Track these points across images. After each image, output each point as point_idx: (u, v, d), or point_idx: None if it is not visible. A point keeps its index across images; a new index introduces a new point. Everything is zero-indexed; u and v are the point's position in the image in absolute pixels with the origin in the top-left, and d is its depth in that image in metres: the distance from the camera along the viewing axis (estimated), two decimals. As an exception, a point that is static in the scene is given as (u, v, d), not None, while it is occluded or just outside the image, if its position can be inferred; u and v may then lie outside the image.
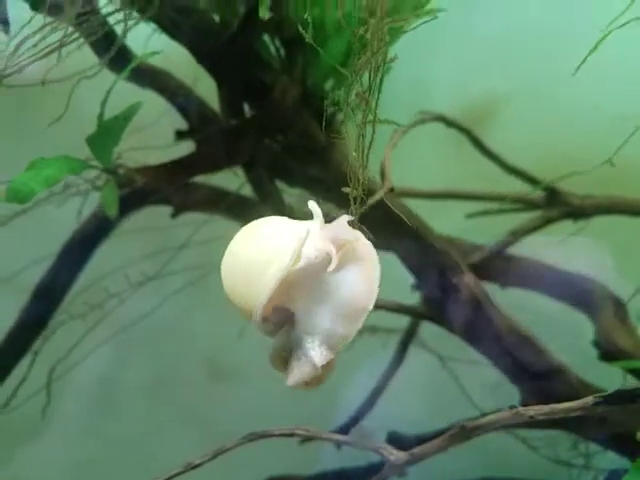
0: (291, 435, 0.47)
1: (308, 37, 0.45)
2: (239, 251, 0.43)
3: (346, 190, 0.42)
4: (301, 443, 0.69)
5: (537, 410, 0.43)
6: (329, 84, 0.69)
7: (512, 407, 0.44)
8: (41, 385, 0.85)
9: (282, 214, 0.74)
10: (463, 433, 0.45)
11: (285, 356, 0.43)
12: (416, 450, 0.47)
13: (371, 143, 0.40)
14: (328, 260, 0.40)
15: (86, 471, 0.93)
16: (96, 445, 0.91)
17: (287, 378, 0.43)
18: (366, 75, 0.55)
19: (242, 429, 0.61)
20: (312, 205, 0.43)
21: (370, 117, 0.38)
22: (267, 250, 0.42)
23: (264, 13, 0.52)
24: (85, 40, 0.64)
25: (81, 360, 0.85)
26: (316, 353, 0.40)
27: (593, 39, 0.72)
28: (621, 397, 0.42)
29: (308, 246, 0.41)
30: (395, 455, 0.47)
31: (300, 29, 0.46)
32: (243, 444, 0.48)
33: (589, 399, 0.42)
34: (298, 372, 0.42)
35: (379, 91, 0.38)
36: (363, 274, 0.40)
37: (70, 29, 0.62)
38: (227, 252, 0.43)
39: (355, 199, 0.41)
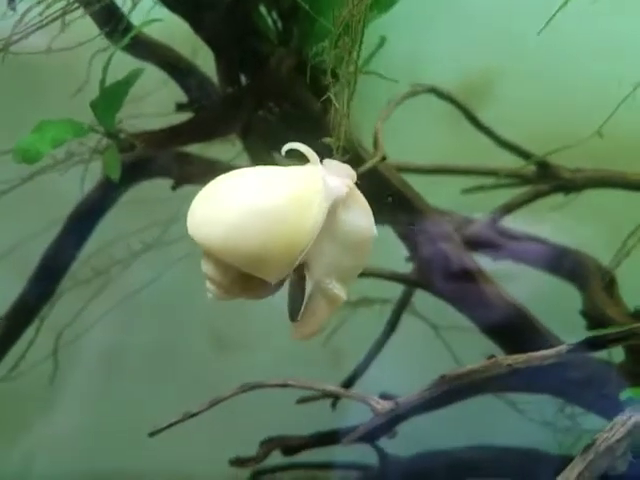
0: (284, 386, 0.50)
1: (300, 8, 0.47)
2: (253, 201, 0.39)
3: (327, 140, 0.43)
4: (298, 403, 0.71)
5: (514, 359, 0.45)
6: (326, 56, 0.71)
7: (491, 357, 0.46)
8: (48, 352, 0.88)
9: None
10: (444, 382, 0.47)
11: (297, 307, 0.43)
12: (400, 399, 0.49)
13: (353, 93, 0.42)
14: (340, 199, 0.40)
15: (93, 435, 0.96)
16: (102, 410, 0.93)
17: (302, 328, 0.43)
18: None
19: (244, 396, 0.63)
20: (306, 149, 0.43)
21: (352, 68, 0.40)
22: (291, 201, 0.39)
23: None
24: (85, 10, 0.66)
25: (88, 326, 0.88)
26: (339, 289, 0.41)
27: (587, 13, 0.74)
28: (591, 344, 0.44)
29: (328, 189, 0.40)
30: (381, 404, 0.49)
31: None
32: (238, 394, 0.50)
33: (563, 347, 0.44)
34: (315, 318, 0.42)
35: (360, 43, 0.40)
36: (360, 206, 0.41)
37: None
38: (227, 201, 0.40)
39: (337, 149, 0.43)
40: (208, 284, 0.42)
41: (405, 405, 0.49)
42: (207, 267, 0.41)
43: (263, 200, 0.39)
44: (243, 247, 0.39)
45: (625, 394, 0.60)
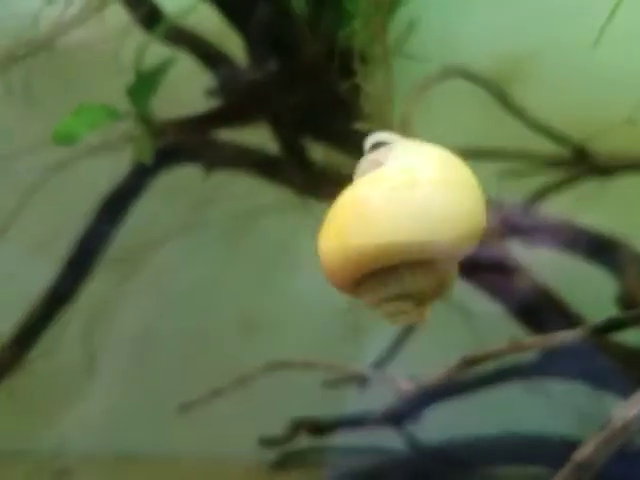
0: (310, 365, 0.50)
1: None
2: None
3: (359, 127, 0.43)
4: (325, 387, 0.72)
5: (533, 341, 0.45)
6: (356, 40, 0.71)
7: (511, 339, 0.45)
8: (81, 335, 0.90)
9: (308, 170, 0.77)
10: (465, 364, 0.47)
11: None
12: (423, 380, 0.49)
13: (389, 77, 0.41)
14: None
15: (124, 417, 0.99)
16: (133, 392, 0.95)
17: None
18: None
19: (272, 380, 0.64)
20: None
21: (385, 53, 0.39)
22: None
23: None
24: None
25: (120, 310, 0.90)
26: None
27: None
28: (611, 326, 0.44)
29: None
30: (406, 385, 0.49)
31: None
32: (264, 372, 0.50)
33: (584, 327, 0.44)
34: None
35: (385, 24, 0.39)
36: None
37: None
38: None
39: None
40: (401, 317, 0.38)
41: (428, 387, 0.49)
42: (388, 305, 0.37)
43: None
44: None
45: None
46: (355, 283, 0.37)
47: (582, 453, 0.47)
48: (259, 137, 0.78)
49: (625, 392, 0.71)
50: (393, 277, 0.37)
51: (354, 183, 0.39)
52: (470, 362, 0.46)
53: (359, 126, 0.66)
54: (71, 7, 0.64)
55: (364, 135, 0.52)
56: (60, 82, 0.85)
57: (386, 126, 0.54)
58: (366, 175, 0.38)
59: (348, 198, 0.38)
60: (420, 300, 0.37)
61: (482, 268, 0.73)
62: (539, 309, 0.73)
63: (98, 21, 0.65)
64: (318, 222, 0.95)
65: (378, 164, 0.39)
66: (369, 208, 0.36)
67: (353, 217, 0.36)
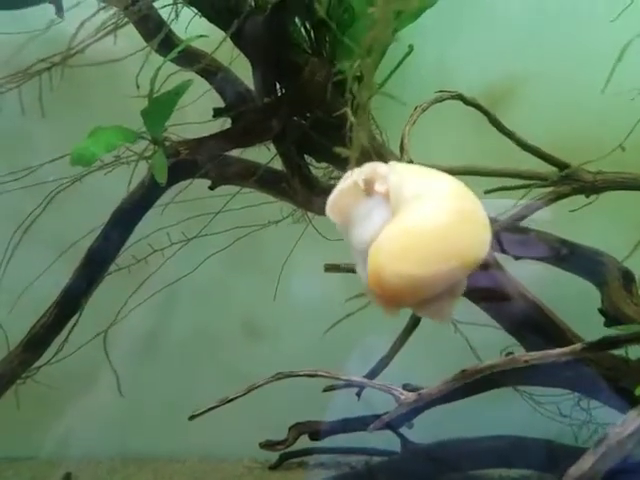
0: (314, 376, 0.54)
1: (331, 23, 0.50)
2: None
3: (341, 151, 0.45)
4: (324, 391, 0.75)
5: (531, 356, 0.48)
6: (356, 64, 0.75)
7: (508, 354, 0.49)
8: (92, 337, 0.94)
9: (309, 186, 0.81)
10: (464, 376, 0.50)
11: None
12: (423, 391, 0.53)
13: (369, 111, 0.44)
14: None
15: (130, 418, 1.02)
16: (139, 394, 0.99)
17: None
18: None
19: (274, 383, 0.67)
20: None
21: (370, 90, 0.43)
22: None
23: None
24: (133, 24, 0.71)
25: (129, 314, 0.93)
26: None
27: (610, 22, 0.75)
28: (605, 344, 0.47)
29: None
30: (405, 395, 0.53)
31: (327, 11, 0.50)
32: (272, 382, 0.54)
33: (578, 346, 0.48)
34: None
35: (377, 65, 0.43)
36: None
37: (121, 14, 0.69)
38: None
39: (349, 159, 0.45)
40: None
41: (427, 397, 0.53)
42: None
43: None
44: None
45: (640, 390, 0.63)
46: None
47: (579, 468, 0.50)
48: (264, 154, 0.82)
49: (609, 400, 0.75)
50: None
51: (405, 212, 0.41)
52: (469, 375, 0.50)
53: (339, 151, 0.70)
54: (87, 25, 0.67)
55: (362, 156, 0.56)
56: (75, 99, 0.89)
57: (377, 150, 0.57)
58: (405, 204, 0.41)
59: (415, 227, 0.41)
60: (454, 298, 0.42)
61: (471, 279, 0.77)
62: (527, 320, 0.77)
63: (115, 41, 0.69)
64: (314, 234, 0.98)
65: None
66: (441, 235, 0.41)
67: (429, 245, 0.40)
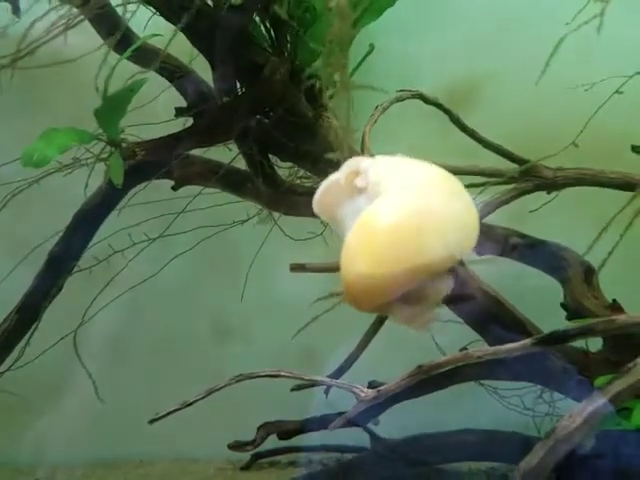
0: (276, 376, 0.54)
1: (291, 22, 0.50)
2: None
3: (330, 156, 0.45)
4: (292, 391, 0.75)
5: (484, 351, 0.49)
6: (316, 63, 0.75)
7: (463, 349, 0.50)
8: (54, 340, 0.92)
9: (273, 185, 0.81)
10: (421, 372, 0.51)
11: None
12: (382, 388, 0.53)
13: (349, 108, 0.44)
14: None
15: (97, 422, 1.00)
16: (106, 398, 0.97)
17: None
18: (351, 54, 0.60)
19: (242, 384, 0.67)
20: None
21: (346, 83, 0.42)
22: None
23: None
24: (90, 22, 0.69)
25: (94, 317, 0.92)
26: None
27: (571, 19, 0.76)
28: (554, 338, 0.48)
29: None
30: (365, 392, 0.53)
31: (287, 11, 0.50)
32: (232, 384, 0.54)
33: (528, 341, 0.48)
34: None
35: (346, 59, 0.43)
36: None
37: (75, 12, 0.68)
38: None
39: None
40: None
41: (386, 393, 0.53)
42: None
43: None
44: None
45: (598, 381, 0.64)
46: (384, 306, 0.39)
47: (529, 462, 0.51)
48: (226, 154, 0.82)
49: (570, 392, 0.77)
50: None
51: (369, 211, 0.39)
52: (426, 370, 0.50)
53: (320, 146, 0.70)
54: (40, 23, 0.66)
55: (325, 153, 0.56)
56: (30, 98, 0.87)
57: (349, 147, 0.58)
58: (373, 201, 0.39)
59: (370, 225, 0.39)
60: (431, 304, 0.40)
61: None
62: (488, 314, 0.78)
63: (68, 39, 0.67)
64: (282, 233, 0.97)
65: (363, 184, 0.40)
66: (395, 235, 0.38)
67: (383, 245, 0.38)
